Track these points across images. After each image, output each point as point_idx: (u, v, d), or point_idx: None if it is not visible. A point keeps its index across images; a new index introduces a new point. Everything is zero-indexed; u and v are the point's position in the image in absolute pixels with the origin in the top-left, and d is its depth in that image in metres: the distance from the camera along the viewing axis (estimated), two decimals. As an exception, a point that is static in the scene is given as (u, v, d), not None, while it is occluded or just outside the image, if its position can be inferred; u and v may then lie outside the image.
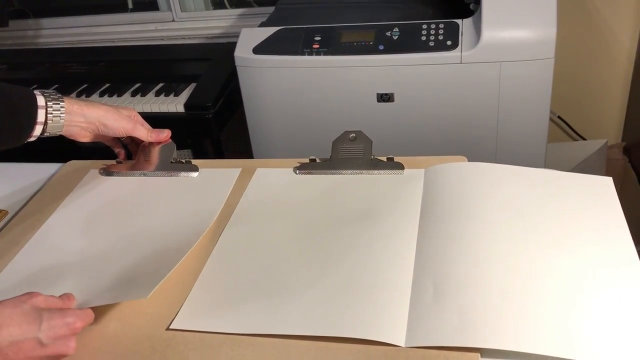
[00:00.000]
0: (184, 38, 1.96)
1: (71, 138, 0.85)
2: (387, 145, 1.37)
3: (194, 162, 0.92)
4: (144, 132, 0.90)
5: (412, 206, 0.77)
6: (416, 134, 1.37)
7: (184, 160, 0.92)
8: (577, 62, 1.77)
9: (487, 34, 1.23)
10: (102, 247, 0.78)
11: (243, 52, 1.37)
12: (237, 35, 1.41)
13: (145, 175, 0.91)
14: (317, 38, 1.34)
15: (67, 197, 0.89)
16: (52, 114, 0.80)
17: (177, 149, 0.93)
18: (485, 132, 1.33)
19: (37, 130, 0.79)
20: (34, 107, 0.78)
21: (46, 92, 0.81)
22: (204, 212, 0.82)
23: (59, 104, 0.80)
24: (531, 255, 0.67)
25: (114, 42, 2.00)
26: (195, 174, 0.90)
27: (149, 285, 0.65)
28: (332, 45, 1.33)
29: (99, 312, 0.66)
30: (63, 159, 1.00)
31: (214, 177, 0.89)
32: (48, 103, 0.79)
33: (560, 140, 1.90)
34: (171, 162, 0.91)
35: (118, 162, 0.94)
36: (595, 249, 0.67)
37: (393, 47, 1.29)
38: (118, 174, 0.92)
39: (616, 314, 0.59)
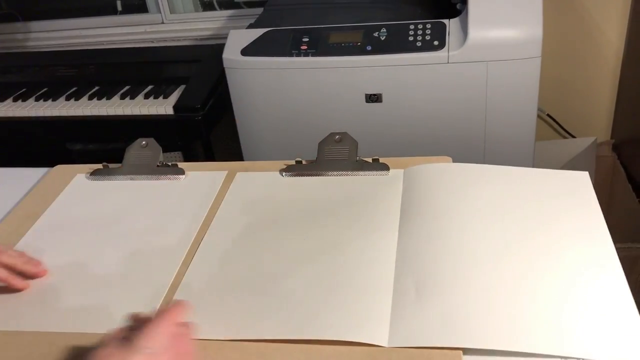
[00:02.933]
0: (173, 40, 1.95)
1: None
2: (376, 145, 1.37)
3: (180, 165, 0.92)
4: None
5: (394, 206, 0.77)
6: (405, 134, 1.37)
7: (170, 164, 0.92)
8: (566, 60, 1.78)
9: (473, 33, 1.23)
10: (89, 252, 0.77)
11: (231, 54, 1.37)
12: (226, 37, 1.41)
13: (131, 179, 0.91)
14: (305, 39, 1.35)
15: (53, 202, 0.89)
16: None
17: (167, 151, 0.93)
18: (474, 132, 1.34)
19: None
20: None
21: None
22: (190, 216, 0.82)
23: None
24: (511, 253, 0.67)
25: (103, 44, 2.00)
26: (181, 177, 0.90)
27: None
28: (320, 46, 1.33)
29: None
30: (50, 164, 0.99)
31: (200, 180, 0.90)
32: None
33: (550, 138, 1.90)
34: (157, 165, 0.91)
35: (105, 167, 0.94)
36: (574, 246, 0.68)
37: (381, 48, 1.30)
38: (104, 178, 0.92)
39: (596, 308, 0.60)
